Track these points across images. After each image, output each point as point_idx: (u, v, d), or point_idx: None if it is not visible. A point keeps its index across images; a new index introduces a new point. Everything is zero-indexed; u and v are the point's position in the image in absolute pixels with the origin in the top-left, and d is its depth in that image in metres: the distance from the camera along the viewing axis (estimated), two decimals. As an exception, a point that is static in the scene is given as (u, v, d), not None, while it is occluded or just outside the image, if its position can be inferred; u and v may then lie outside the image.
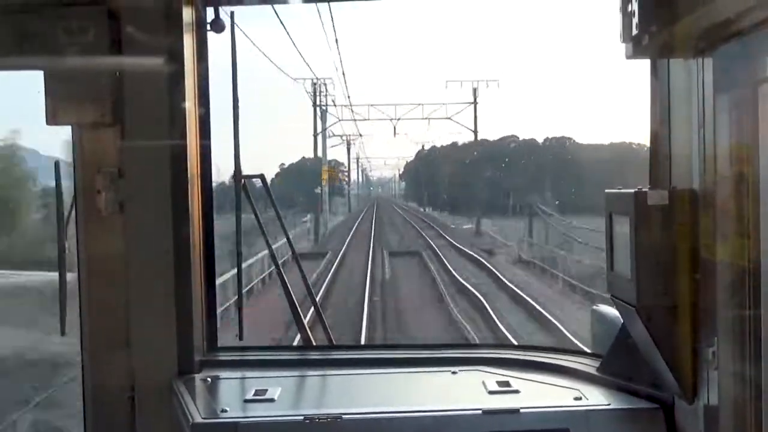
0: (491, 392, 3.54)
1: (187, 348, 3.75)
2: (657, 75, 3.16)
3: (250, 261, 25.31)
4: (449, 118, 57.11)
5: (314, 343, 4.23)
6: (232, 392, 3.74)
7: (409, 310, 26.32)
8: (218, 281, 4.23)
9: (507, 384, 3.62)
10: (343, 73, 75.59)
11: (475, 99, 52.29)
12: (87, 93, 3.63)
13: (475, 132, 53.32)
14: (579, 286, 27.98)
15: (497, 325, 22.77)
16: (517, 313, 25.22)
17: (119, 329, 3.71)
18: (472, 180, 58.03)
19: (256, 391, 3.57)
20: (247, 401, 3.51)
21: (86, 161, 3.72)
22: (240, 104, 4.00)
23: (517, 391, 3.55)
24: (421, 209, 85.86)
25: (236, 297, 4.21)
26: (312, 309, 4.65)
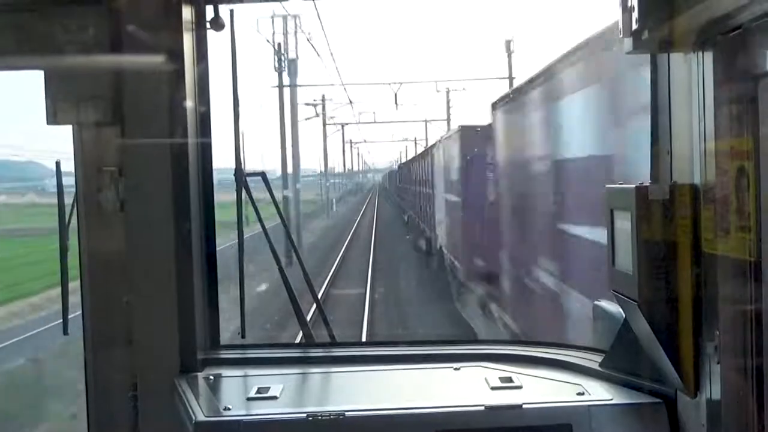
0: (494, 388, 3.54)
1: (189, 346, 3.75)
2: (657, 69, 3.15)
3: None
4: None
5: (316, 340, 4.23)
6: (235, 390, 3.74)
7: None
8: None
9: (509, 380, 3.62)
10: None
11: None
12: (87, 92, 3.62)
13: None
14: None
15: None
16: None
17: (121, 328, 3.71)
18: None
19: (258, 389, 3.57)
20: (249, 399, 3.51)
21: (87, 160, 3.72)
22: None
23: (519, 387, 3.54)
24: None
25: (239, 293, 4.15)
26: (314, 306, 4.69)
